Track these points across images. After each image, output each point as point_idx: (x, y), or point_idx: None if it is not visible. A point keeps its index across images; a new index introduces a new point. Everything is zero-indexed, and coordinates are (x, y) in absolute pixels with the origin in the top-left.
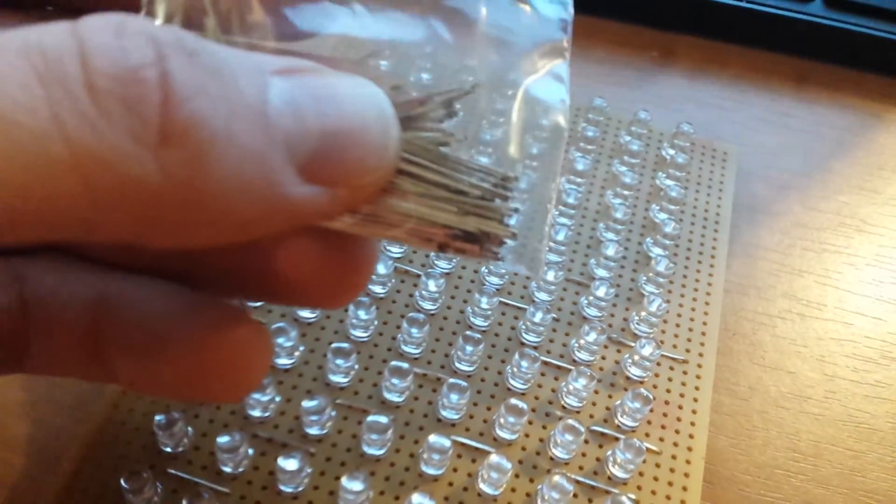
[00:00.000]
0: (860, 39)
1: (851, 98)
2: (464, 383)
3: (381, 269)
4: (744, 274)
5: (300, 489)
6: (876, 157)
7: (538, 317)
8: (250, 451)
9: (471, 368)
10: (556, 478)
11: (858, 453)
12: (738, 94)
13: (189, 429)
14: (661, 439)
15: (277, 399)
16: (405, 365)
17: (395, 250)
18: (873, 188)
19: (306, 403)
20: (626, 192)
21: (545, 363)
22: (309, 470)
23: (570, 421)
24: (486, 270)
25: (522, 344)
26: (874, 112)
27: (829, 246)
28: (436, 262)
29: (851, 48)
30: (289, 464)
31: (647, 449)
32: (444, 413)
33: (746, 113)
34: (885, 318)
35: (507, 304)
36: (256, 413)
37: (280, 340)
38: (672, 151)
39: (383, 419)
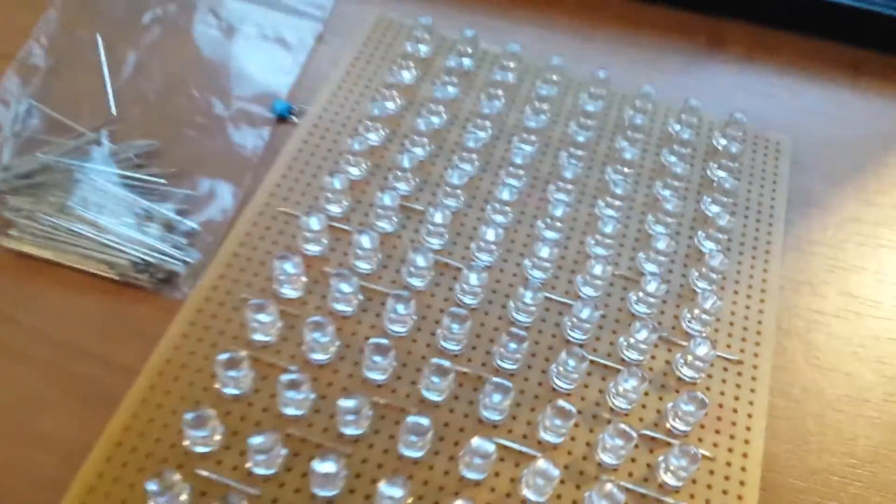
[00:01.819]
0: None
1: None
2: (507, 383)
3: (419, 261)
4: (797, 270)
5: (335, 493)
6: None
7: (585, 313)
8: (283, 452)
9: (514, 367)
10: (608, 486)
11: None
12: (790, 83)
13: (220, 426)
14: (716, 445)
15: (312, 396)
16: (446, 363)
17: (435, 241)
18: None
19: (342, 402)
20: (675, 184)
21: (592, 362)
22: (345, 472)
23: (621, 424)
24: (530, 264)
25: (568, 342)
26: None
27: (886, 241)
28: (477, 254)
29: None
30: (324, 466)
31: (700, 455)
32: (486, 413)
33: (799, 103)
34: None
35: (551, 300)
36: (290, 411)
37: (315, 335)
38: (724, 141)
39: (424, 420)
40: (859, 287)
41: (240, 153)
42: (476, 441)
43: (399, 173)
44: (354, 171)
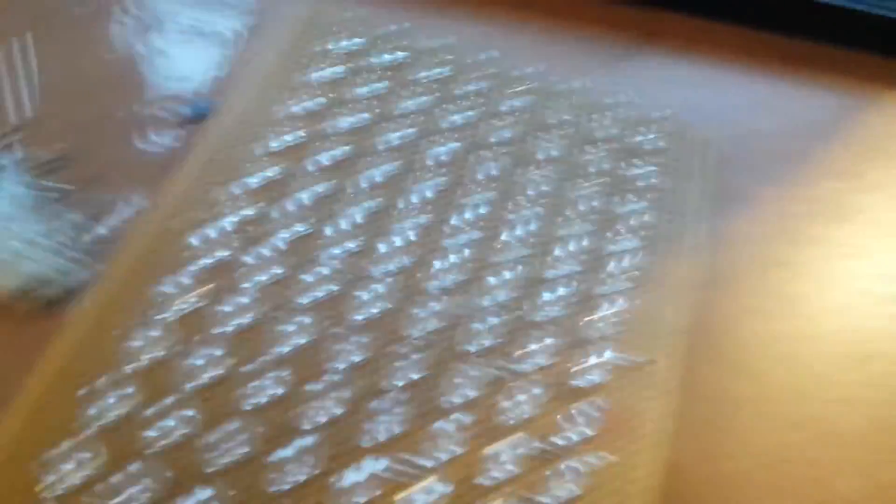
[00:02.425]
0: (850, 16)
1: (839, 79)
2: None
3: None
4: (718, 268)
5: None
6: (864, 141)
7: (486, 321)
8: None
9: (401, 384)
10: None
11: (823, 461)
12: (720, 75)
13: None
14: (617, 450)
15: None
16: None
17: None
18: (860, 173)
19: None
20: (597, 181)
21: (491, 371)
22: None
23: (518, 434)
24: (439, 265)
25: (465, 352)
26: (863, 93)
27: (811, 237)
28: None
29: (840, 26)
30: None
31: (595, 462)
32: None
33: (728, 96)
34: (861, 312)
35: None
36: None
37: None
38: (649, 137)
39: None
40: (778, 284)
41: (157, 155)
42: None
43: (318, 173)
44: (271, 172)
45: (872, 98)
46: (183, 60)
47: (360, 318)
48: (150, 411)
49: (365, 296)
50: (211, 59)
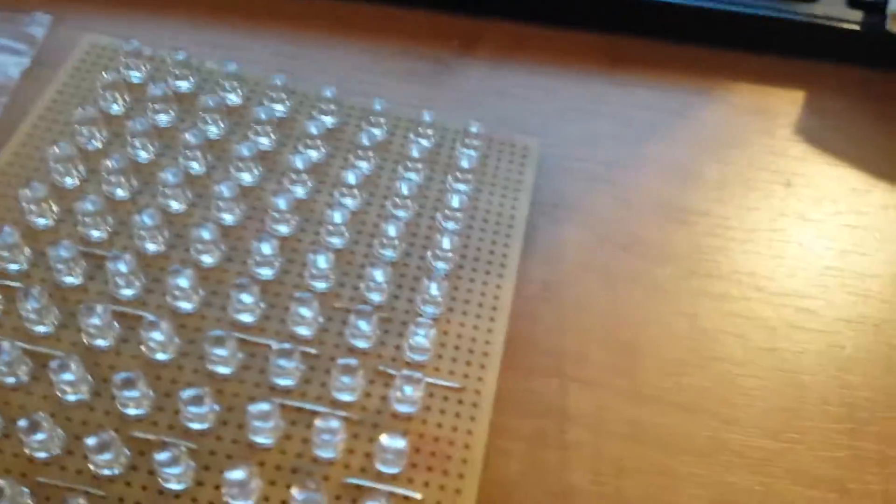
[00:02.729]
0: (676, 10)
1: (671, 75)
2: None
3: (97, 319)
4: (542, 280)
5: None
6: (695, 138)
7: (289, 358)
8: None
9: (203, 426)
10: None
11: (669, 474)
12: (545, 81)
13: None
14: (427, 484)
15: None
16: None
17: (127, 291)
18: (691, 172)
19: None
20: (408, 202)
21: (297, 409)
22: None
23: (316, 477)
24: (233, 308)
25: (272, 389)
26: (696, 87)
27: (640, 241)
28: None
29: (667, 20)
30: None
31: (407, 498)
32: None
33: (554, 102)
34: (702, 315)
35: (253, 344)
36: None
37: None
38: (464, 151)
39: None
40: (609, 292)
41: None
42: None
43: (89, 219)
44: (40, 221)
45: (706, 93)
46: None
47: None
48: None
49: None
50: None
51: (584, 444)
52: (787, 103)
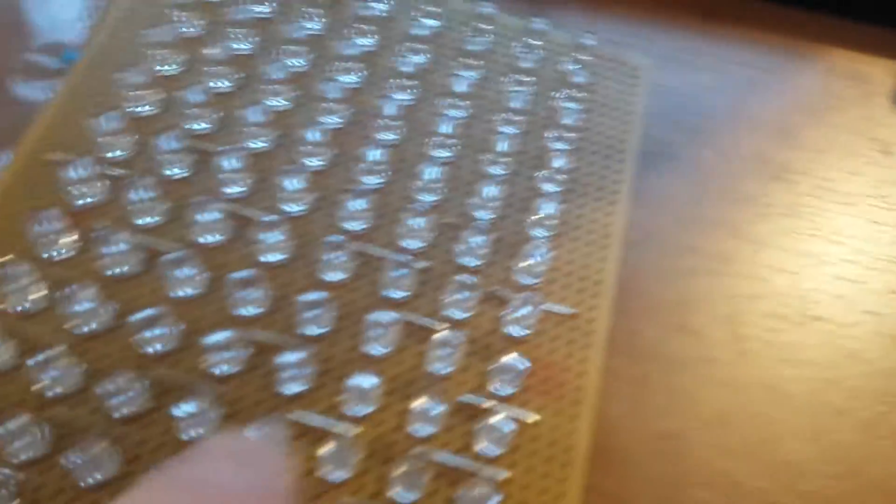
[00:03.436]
0: None
1: (766, 35)
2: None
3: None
4: (647, 225)
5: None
6: (792, 99)
7: (402, 271)
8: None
9: (319, 332)
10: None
11: (771, 421)
12: (641, 29)
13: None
14: (542, 407)
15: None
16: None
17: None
18: (789, 132)
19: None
20: (516, 118)
21: (409, 324)
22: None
23: (435, 391)
24: (343, 214)
25: (385, 300)
26: (791, 49)
27: (741, 195)
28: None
29: None
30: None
31: (523, 419)
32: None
33: (651, 52)
34: (803, 273)
35: (363, 255)
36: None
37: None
38: (572, 67)
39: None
40: (713, 243)
41: (25, 107)
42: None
43: (193, 111)
44: (142, 109)
45: (802, 56)
46: (52, 10)
47: (248, 273)
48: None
49: (262, 241)
50: (80, 8)
51: (687, 390)
52: (884, 73)
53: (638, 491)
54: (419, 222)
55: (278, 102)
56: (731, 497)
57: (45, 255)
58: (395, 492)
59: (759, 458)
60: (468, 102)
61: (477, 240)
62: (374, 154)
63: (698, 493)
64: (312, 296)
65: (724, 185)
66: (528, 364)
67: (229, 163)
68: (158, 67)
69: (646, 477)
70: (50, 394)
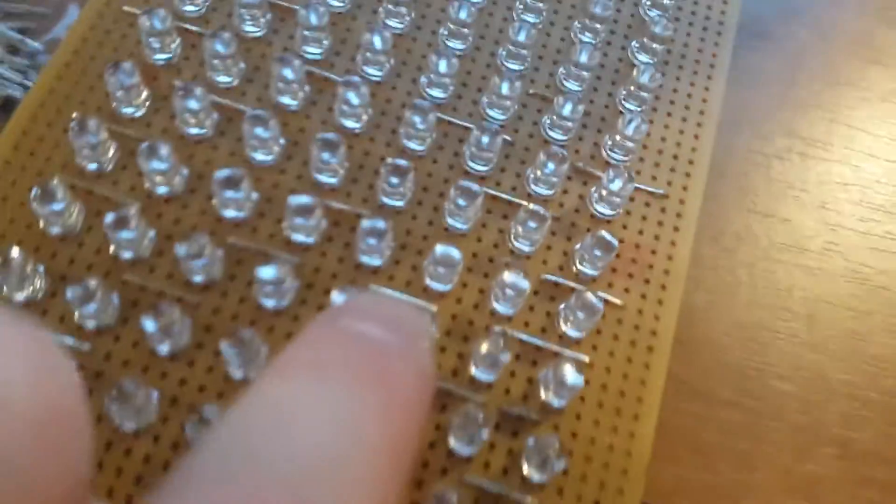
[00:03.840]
0: None
1: None
2: (381, 225)
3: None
4: (739, 105)
5: (284, 303)
6: None
7: (485, 140)
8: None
9: (399, 203)
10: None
11: (860, 314)
12: None
13: (151, 232)
14: (627, 290)
15: (255, 197)
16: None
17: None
18: (894, 15)
19: (292, 199)
20: None
21: (493, 198)
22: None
23: (516, 269)
24: (426, 80)
25: (467, 173)
26: None
27: (840, 77)
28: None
29: None
30: (268, 272)
31: (608, 302)
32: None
33: None
34: None
35: (449, 124)
36: (230, 213)
37: (257, 131)
38: None
39: (380, 224)
40: (807, 126)
41: None
42: (440, 248)
43: None
44: None
45: None
46: None
47: (330, 136)
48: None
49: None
50: None
51: (775, 279)
52: None
53: (719, 380)
54: (505, 89)
55: None
56: (814, 389)
57: (121, 112)
58: (475, 370)
59: (845, 351)
60: None
61: (566, 111)
62: (462, 13)
63: (781, 385)
64: (397, 162)
65: (820, 68)
66: (615, 244)
67: (312, 18)
68: None
69: (728, 367)
70: (122, 257)
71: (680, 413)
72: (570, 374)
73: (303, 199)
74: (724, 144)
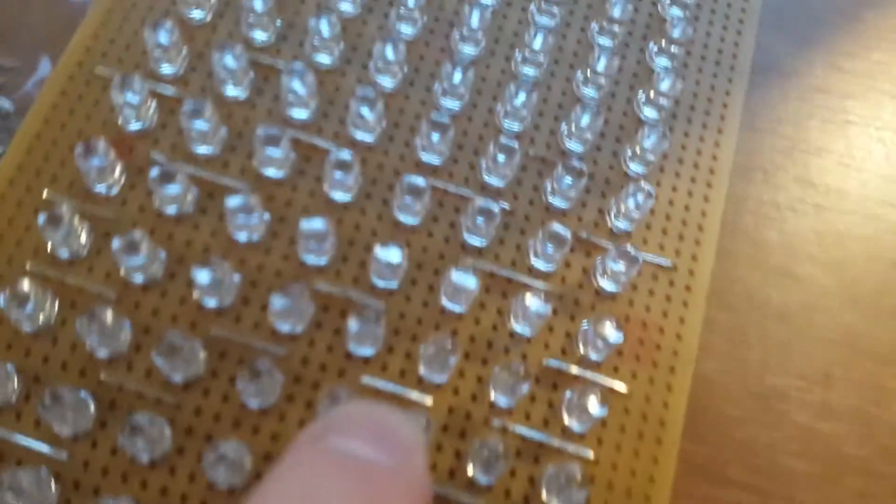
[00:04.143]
0: None
1: None
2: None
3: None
4: (749, 153)
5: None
6: None
7: (482, 215)
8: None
9: (392, 285)
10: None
11: (880, 384)
12: None
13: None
14: (635, 376)
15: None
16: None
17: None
18: None
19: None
20: (615, 27)
21: (489, 276)
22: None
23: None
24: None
25: (463, 247)
26: None
27: (856, 117)
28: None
29: None
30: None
31: (614, 390)
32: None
33: None
34: None
35: (441, 191)
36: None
37: (240, 218)
38: None
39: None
40: (821, 174)
41: (70, 8)
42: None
43: None
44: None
45: None
46: None
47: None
48: None
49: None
50: None
51: (790, 344)
52: None
53: (730, 459)
54: (502, 158)
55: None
56: (830, 467)
57: (94, 190)
58: (472, 471)
59: (863, 423)
60: (556, 9)
61: (568, 176)
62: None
63: (795, 463)
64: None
65: (835, 106)
66: (620, 327)
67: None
68: None
69: (739, 443)
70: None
71: (689, 497)
72: (573, 472)
73: (288, 293)
74: (734, 195)
